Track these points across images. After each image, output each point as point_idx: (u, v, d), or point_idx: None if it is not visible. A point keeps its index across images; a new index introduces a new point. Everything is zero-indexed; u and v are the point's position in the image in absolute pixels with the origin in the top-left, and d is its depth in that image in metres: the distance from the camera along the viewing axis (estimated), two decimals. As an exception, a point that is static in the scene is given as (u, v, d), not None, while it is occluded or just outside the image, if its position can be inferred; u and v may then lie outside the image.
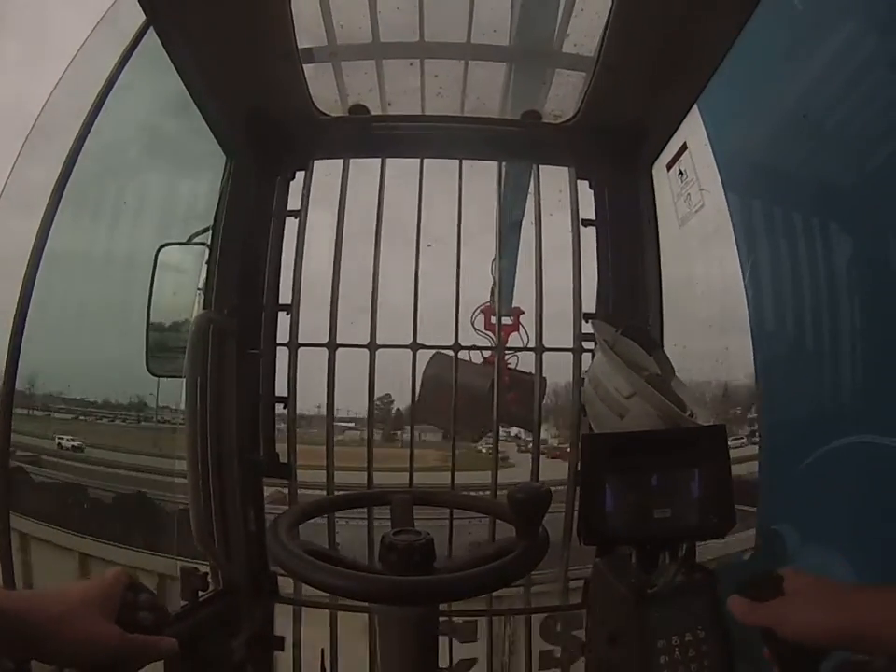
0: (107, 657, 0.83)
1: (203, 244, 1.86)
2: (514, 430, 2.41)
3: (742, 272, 1.97)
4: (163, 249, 1.88)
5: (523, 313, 2.16)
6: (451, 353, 1.87)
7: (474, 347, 1.89)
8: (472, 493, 1.50)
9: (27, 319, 2.01)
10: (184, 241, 1.96)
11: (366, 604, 1.48)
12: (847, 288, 1.88)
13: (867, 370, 1.77)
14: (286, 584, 1.88)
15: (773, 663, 0.93)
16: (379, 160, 1.92)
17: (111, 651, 0.83)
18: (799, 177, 1.93)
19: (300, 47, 1.60)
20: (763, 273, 2.02)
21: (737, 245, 2.00)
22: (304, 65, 1.67)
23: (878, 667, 0.86)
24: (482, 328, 2.14)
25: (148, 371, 1.87)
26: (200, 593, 1.61)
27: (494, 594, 1.77)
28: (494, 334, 1.99)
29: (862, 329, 1.82)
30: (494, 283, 2.04)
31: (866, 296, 1.83)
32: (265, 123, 1.80)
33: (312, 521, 1.32)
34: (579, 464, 1.57)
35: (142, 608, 0.89)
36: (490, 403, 1.82)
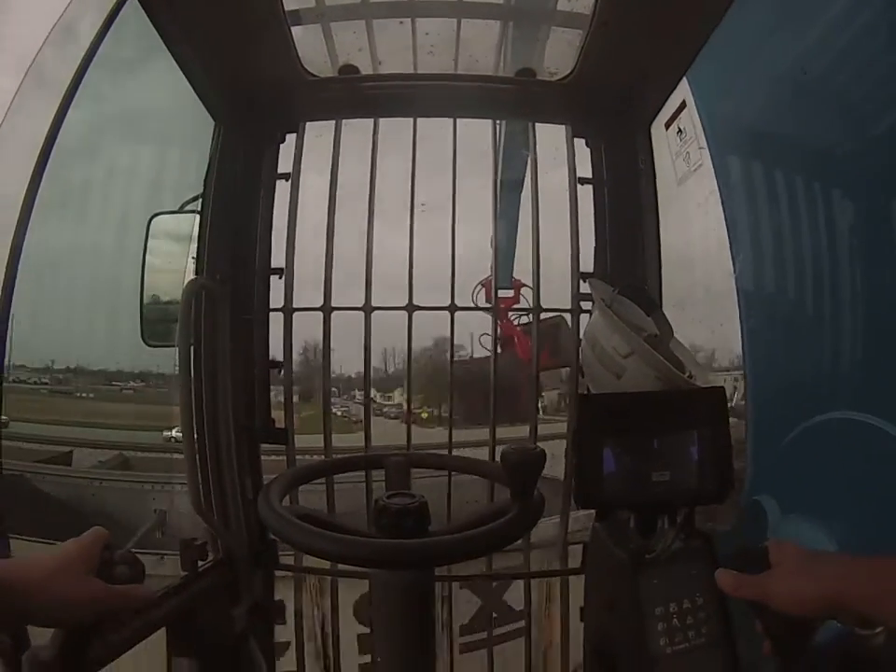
0: (94, 610, 0.88)
1: (195, 211, 1.84)
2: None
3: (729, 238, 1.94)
4: (155, 219, 1.86)
5: (524, 285, 2.14)
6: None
7: (471, 308, 1.86)
8: (468, 456, 1.48)
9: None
10: (175, 209, 1.94)
11: (365, 570, 1.49)
12: (830, 264, 1.88)
13: (854, 347, 1.78)
14: (286, 552, 1.89)
15: (764, 635, 0.93)
16: (371, 120, 1.89)
17: (97, 603, 0.88)
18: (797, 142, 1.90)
19: (286, 8, 1.55)
20: (746, 236, 2.01)
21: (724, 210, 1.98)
22: (292, 27, 1.63)
23: (880, 642, 0.86)
24: (483, 303, 2.12)
25: (143, 341, 1.86)
26: (199, 563, 1.61)
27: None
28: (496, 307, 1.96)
29: (852, 305, 1.82)
30: (493, 256, 2.00)
31: (852, 275, 1.83)
32: (253, 86, 1.76)
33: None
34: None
35: (119, 563, 0.94)
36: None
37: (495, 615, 2.21)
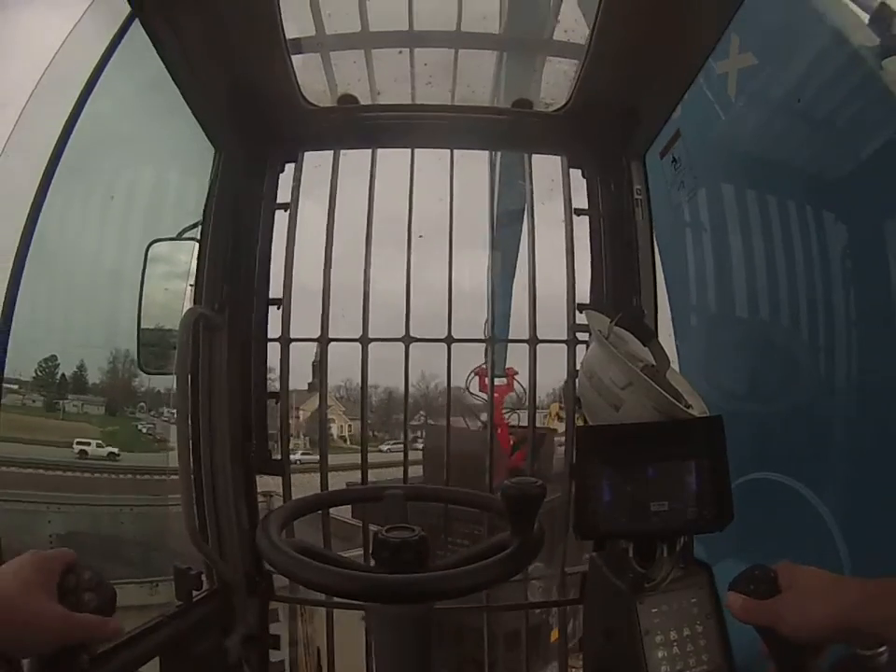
0: (54, 638, 0.81)
1: (193, 239, 1.84)
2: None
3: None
4: (153, 245, 1.87)
5: (517, 373, 2.16)
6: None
7: (467, 340, 1.85)
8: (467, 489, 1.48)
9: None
10: (174, 236, 1.94)
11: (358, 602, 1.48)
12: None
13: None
14: (281, 582, 1.87)
15: (770, 658, 0.92)
16: (369, 150, 1.89)
17: (57, 632, 0.81)
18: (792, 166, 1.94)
19: (287, 37, 1.57)
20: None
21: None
22: (292, 56, 1.64)
23: (883, 661, 0.86)
24: (476, 390, 2.12)
25: (140, 368, 1.86)
26: (194, 592, 1.59)
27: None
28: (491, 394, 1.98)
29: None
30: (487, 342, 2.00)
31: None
32: (253, 115, 1.77)
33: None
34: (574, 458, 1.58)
35: (85, 588, 0.85)
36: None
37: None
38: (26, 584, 0.80)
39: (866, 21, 1.72)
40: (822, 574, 0.91)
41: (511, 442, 5.12)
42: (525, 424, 1.98)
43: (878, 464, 1.70)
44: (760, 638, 0.94)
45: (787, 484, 1.91)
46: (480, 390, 2.07)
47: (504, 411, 5.51)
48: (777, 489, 1.92)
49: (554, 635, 3.47)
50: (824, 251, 1.88)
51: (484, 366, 2.01)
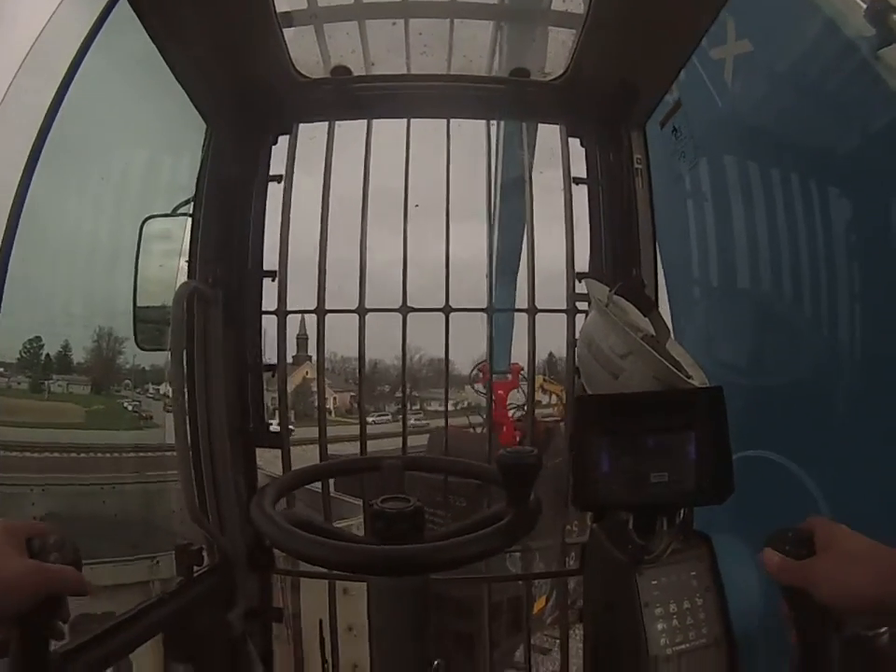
0: (30, 589, 0.81)
1: (188, 214, 1.82)
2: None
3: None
4: (148, 221, 1.85)
5: (522, 369, 2.14)
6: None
7: (464, 309, 1.84)
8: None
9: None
10: (168, 212, 1.92)
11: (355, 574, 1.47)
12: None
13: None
14: (282, 556, 1.87)
15: (790, 623, 0.90)
16: (364, 121, 1.87)
17: (31, 583, 0.82)
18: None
19: (279, 10, 1.55)
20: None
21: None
22: (284, 29, 1.62)
23: (885, 642, 0.84)
24: (480, 387, 2.10)
25: (137, 344, 1.85)
26: (195, 568, 1.60)
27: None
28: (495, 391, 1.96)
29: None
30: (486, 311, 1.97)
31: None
32: (245, 88, 1.75)
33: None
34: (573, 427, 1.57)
35: (50, 550, 0.87)
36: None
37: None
38: None
39: (863, 10, 1.73)
40: (861, 538, 0.86)
41: (517, 438, 5.14)
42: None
43: (877, 442, 1.70)
44: (781, 602, 0.90)
45: (780, 463, 1.92)
46: (483, 387, 2.06)
47: (509, 408, 5.53)
48: (771, 467, 1.93)
49: (539, 605, 3.50)
50: (828, 224, 1.87)
51: (487, 363, 1.98)
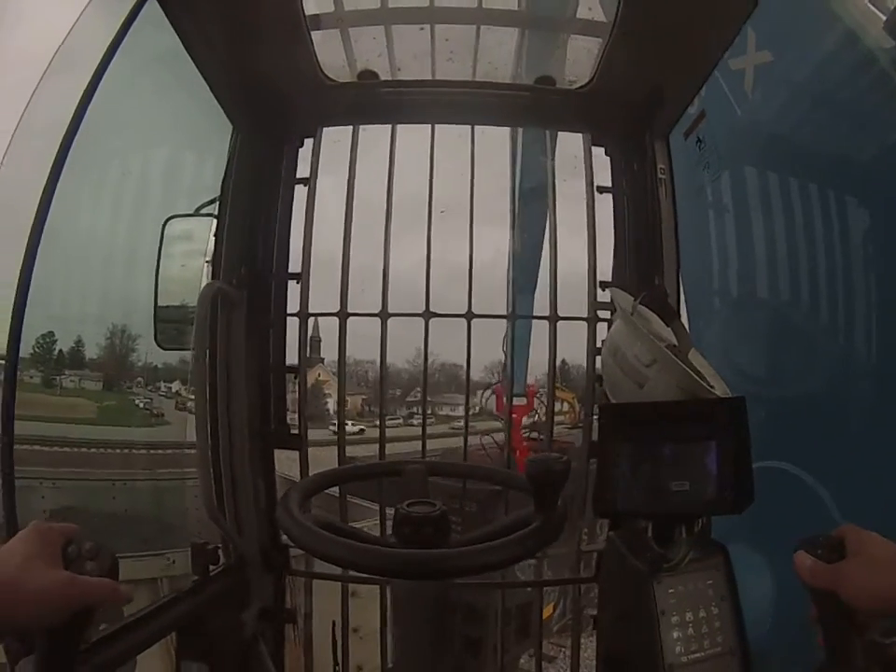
0: (62, 603, 0.82)
1: (210, 215, 1.83)
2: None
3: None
4: (170, 221, 1.86)
5: (537, 392, 2.14)
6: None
7: (487, 316, 1.84)
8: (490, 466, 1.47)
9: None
10: (191, 212, 1.93)
11: (378, 577, 1.48)
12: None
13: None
14: (297, 557, 1.88)
15: (817, 625, 0.92)
16: (389, 126, 1.88)
17: (65, 596, 0.82)
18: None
19: (306, 13, 1.56)
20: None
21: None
22: (311, 32, 1.63)
23: None
24: (493, 410, 2.09)
25: (157, 344, 1.85)
26: (210, 567, 1.60)
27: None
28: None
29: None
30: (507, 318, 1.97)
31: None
32: (271, 90, 1.76)
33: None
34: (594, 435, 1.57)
35: (86, 558, 0.87)
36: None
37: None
38: (30, 554, 0.82)
39: (882, 21, 1.73)
40: (891, 544, 0.89)
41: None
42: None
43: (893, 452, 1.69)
44: (810, 604, 0.93)
45: (795, 474, 1.91)
46: (497, 410, 2.04)
47: (523, 431, 5.34)
48: (786, 478, 1.92)
49: (547, 612, 3.48)
50: (846, 234, 1.87)
51: (501, 383, 1.98)
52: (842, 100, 1.87)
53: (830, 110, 1.91)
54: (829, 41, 1.85)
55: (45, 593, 0.80)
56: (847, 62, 1.82)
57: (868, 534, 0.91)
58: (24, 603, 0.79)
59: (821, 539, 0.94)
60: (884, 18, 1.75)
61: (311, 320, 1.81)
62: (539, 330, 1.88)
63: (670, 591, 1.20)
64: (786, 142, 2.05)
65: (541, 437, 1.97)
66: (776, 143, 2.08)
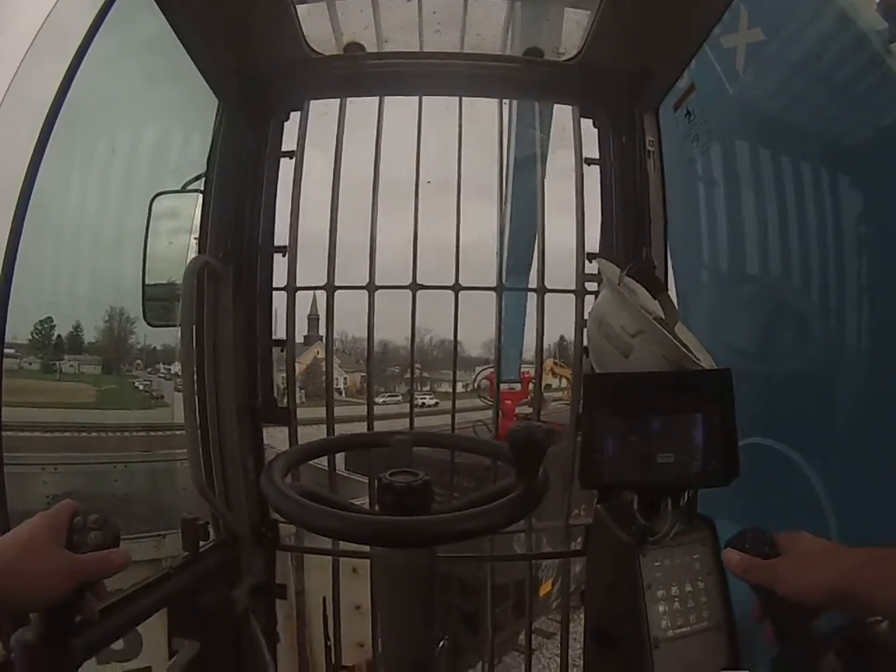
0: (70, 583, 0.85)
1: (197, 191, 1.82)
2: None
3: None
4: (157, 198, 1.85)
5: (531, 378, 2.13)
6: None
7: (473, 288, 1.83)
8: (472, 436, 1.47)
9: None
10: (178, 189, 1.92)
11: (367, 549, 1.48)
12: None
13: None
14: (288, 532, 1.88)
15: (764, 619, 0.94)
16: (376, 98, 1.86)
17: (71, 575, 0.85)
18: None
19: (291, -14, 1.54)
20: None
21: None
22: (297, 5, 1.61)
23: (884, 628, 0.86)
24: (487, 395, 2.08)
25: (146, 321, 1.85)
26: (200, 543, 1.61)
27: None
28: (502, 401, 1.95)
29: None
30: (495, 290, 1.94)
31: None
32: (257, 64, 1.74)
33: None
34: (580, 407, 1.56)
35: (91, 528, 0.91)
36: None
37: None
38: (36, 538, 0.86)
39: (876, 3, 1.72)
40: (821, 541, 0.94)
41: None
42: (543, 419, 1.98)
43: (879, 432, 1.70)
44: (753, 600, 0.95)
45: (781, 451, 1.92)
46: (490, 395, 2.03)
47: (517, 419, 5.30)
48: (771, 454, 1.93)
49: (545, 588, 3.50)
50: (838, 214, 1.87)
51: (493, 370, 1.98)
52: (834, 81, 1.85)
53: (822, 91, 1.89)
54: (822, 22, 1.84)
55: (44, 577, 0.83)
56: (839, 43, 1.81)
57: (801, 534, 0.95)
58: (24, 587, 0.82)
59: (748, 534, 0.97)
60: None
61: (310, 299, 1.81)
62: (535, 311, 1.87)
63: (656, 564, 1.20)
64: (777, 122, 2.04)
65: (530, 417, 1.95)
66: (767, 122, 2.06)
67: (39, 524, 0.88)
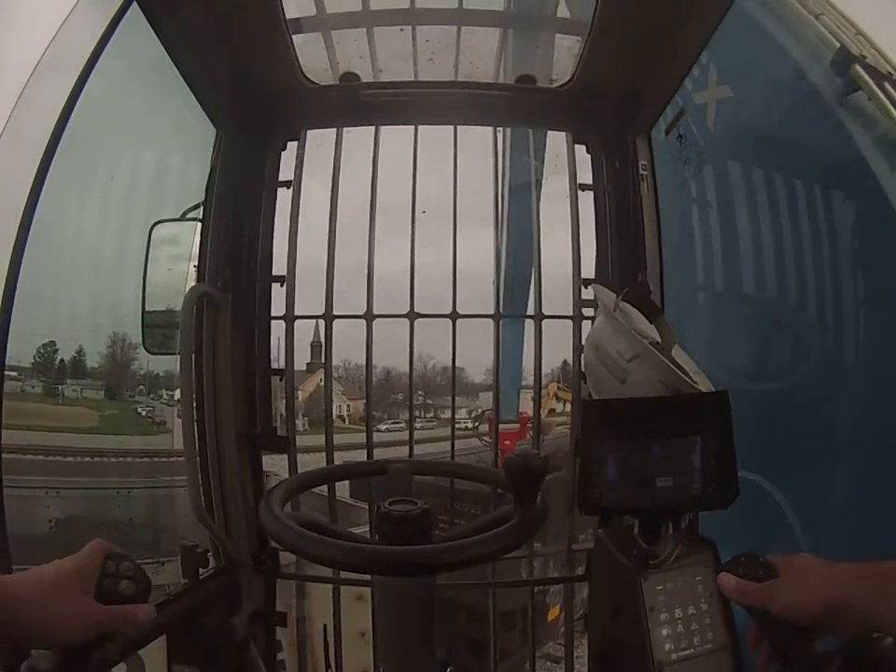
0: (90, 632, 0.83)
1: (196, 219, 1.83)
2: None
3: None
4: (156, 226, 1.86)
5: (529, 418, 2.13)
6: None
7: (471, 315, 1.84)
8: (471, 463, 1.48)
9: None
10: (177, 217, 1.93)
11: (367, 577, 1.47)
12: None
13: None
14: (287, 560, 1.88)
15: (761, 642, 0.93)
16: (372, 127, 1.88)
17: (94, 626, 0.83)
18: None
19: (288, 17, 1.57)
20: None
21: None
22: (293, 35, 1.64)
23: (888, 644, 0.85)
24: (486, 437, 2.09)
25: (145, 348, 1.85)
26: (200, 570, 1.60)
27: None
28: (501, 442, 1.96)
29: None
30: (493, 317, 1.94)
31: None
32: (254, 94, 1.76)
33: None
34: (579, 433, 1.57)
35: (123, 576, 0.88)
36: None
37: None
38: (65, 581, 0.83)
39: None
40: (815, 559, 0.92)
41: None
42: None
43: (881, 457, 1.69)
44: (751, 623, 0.94)
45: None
46: (489, 438, 2.04)
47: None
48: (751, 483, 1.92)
49: (552, 613, 3.47)
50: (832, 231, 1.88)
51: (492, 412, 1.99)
52: (789, 135, 1.87)
53: (775, 146, 1.92)
54: (780, 75, 1.86)
55: (64, 620, 0.81)
56: (795, 96, 1.83)
57: (795, 555, 0.94)
58: (42, 625, 0.80)
59: (743, 558, 0.95)
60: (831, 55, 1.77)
61: (313, 326, 1.82)
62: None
63: (658, 587, 1.20)
64: (741, 180, 2.06)
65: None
66: (734, 182, 2.09)
67: (69, 566, 0.85)
